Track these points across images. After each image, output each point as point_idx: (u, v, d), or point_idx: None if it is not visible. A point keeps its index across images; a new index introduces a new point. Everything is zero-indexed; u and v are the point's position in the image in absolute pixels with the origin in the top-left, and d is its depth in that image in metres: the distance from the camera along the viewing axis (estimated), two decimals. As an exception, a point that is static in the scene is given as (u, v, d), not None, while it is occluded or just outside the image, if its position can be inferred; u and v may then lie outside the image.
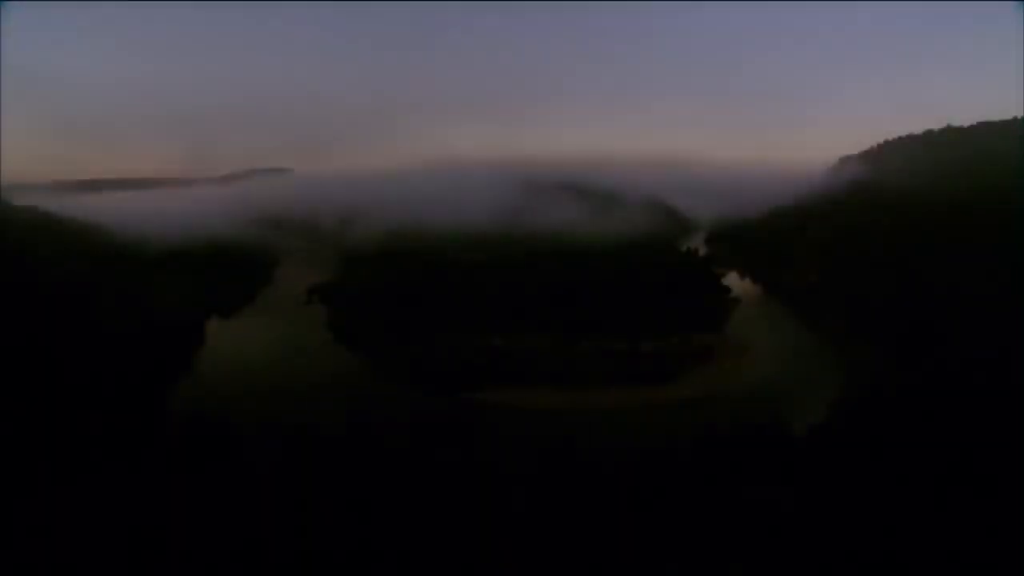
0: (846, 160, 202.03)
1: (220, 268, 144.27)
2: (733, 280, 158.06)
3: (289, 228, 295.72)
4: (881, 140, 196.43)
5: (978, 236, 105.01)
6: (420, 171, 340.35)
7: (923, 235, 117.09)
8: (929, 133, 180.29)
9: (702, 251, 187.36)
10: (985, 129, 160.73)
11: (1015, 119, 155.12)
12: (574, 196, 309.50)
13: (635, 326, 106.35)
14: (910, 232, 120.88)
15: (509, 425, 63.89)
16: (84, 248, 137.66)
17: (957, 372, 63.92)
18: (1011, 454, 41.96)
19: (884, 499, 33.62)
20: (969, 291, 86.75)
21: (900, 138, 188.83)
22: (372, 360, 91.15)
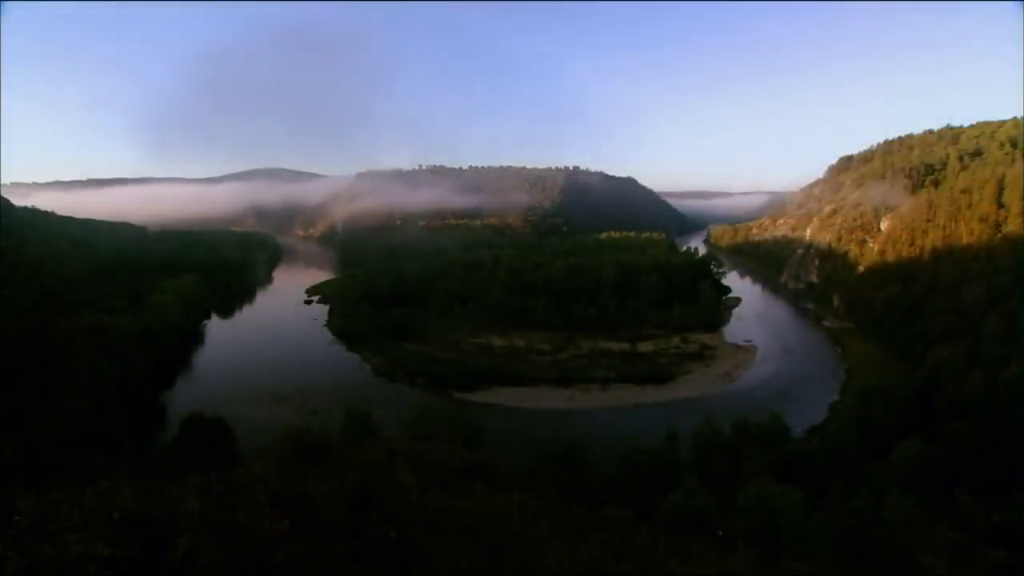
0: (846, 160, 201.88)
1: (220, 268, 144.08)
2: (733, 280, 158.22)
3: (289, 227, 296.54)
4: (881, 140, 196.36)
5: (974, 234, 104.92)
6: (423, 171, 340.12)
7: (922, 234, 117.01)
8: (929, 133, 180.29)
9: (702, 251, 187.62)
10: (985, 129, 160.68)
11: (1015, 119, 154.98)
12: (578, 197, 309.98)
13: (635, 326, 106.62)
14: (909, 231, 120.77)
15: (509, 425, 63.84)
16: (83, 248, 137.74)
17: (957, 371, 63.91)
18: (1013, 453, 41.98)
19: (885, 499, 33.62)
20: (968, 289, 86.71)
21: (900, 138, 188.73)
22: (372, 360, 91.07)
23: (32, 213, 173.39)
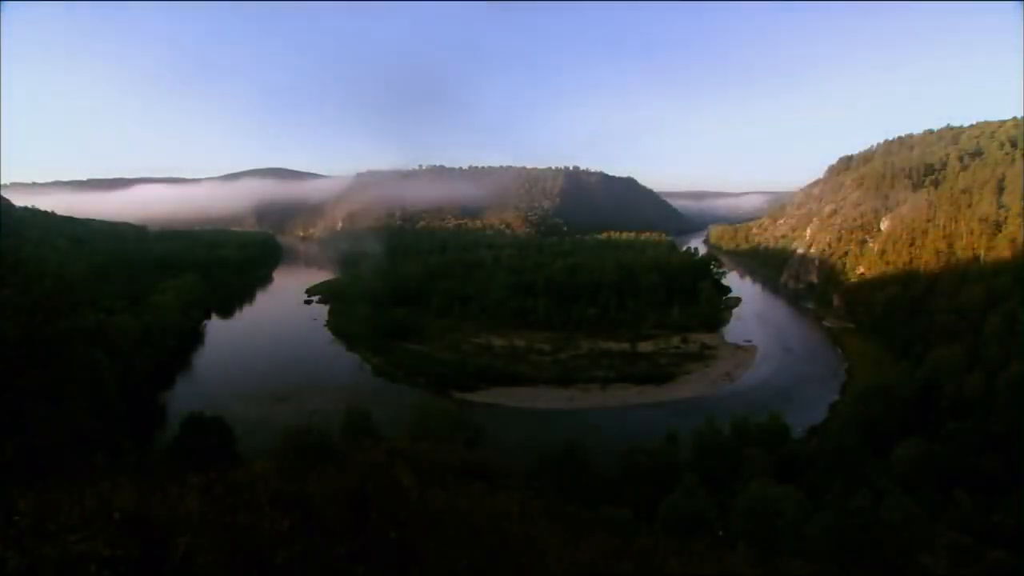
0: (846, 160, 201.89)
1: (220, 268, 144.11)
2: (733, 280, 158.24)
3: (289, 227, 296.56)
4: (881, 140, 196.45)
5: (974, 234, 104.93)
6: (423, 171, 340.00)
7: (922, 234, 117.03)
8: (929, 133, 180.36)
9: (702, 251, 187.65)
10: (985, 129, 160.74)
11: (1015, 119, 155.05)
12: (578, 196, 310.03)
13: (635, 326, 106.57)
14: (909, 231, 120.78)
15: (509, 425, 63.83)
16: (83, 248, 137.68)
17: (957, 371, 63.90)
18: (1013, 453, 41.99)
19: (885, 499, 33.61)
20: (968, 289, 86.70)
21: (900, 138, 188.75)
22: (372, 360, 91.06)
23: (32, 213, 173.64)
